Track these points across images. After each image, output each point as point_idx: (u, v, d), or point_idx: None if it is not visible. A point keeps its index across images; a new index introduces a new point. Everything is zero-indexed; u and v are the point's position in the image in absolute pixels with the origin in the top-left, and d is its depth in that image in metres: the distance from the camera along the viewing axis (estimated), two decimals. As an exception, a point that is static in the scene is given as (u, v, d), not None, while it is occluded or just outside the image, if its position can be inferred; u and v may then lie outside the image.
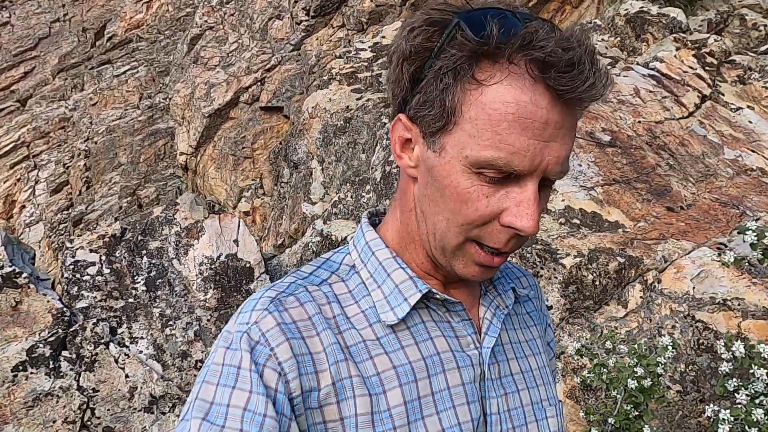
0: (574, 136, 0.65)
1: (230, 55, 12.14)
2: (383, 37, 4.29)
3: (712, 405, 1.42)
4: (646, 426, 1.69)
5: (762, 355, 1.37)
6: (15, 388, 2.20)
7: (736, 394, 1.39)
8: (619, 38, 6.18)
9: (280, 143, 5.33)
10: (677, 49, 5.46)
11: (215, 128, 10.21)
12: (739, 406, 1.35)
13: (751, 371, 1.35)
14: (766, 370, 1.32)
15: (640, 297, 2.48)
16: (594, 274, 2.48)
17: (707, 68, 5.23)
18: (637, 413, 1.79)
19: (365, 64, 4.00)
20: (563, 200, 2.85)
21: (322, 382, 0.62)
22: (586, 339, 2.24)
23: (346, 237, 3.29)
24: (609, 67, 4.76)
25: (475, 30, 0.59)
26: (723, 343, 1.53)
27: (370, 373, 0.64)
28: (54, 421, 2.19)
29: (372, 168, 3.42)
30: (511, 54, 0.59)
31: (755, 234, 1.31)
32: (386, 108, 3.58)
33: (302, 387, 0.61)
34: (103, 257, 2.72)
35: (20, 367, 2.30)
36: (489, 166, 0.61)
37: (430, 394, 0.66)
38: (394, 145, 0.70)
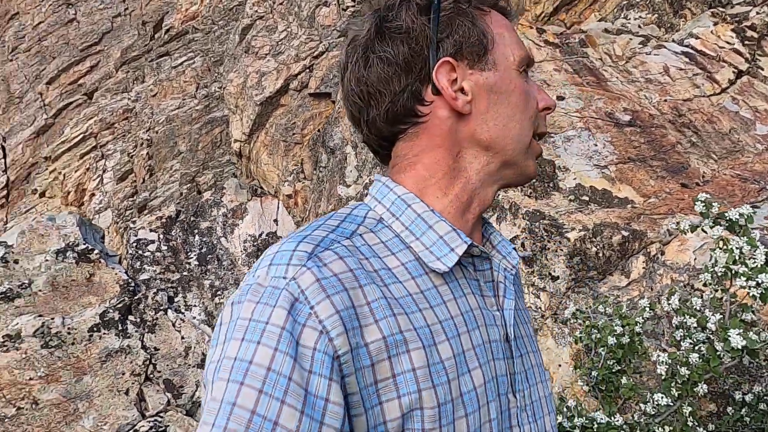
0: None
1: (280, 43, 12.55)
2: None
3: (659, 352, 1.63)
4: (623, 377, 1.90)
5: (694, 306, 1.56)
6: (90, 346, 2.62)
7: (682, 343, 1.58)
8: (656, 15, 6.13)
9: (318, 130, 5.65)
10: (714, 24, 5.40)
11: (267, 115, 10.63)
12: (681, 351, 1.55)
13: (685, 321, 1.54)
14: (695, 319, 1.51)
15: (643, 268, 2.65)
16: (598, 247, 2.67)
17: (747, 42, 5.16)
18: (619, 368, 2.00)
19: (395, 53, 4.24)
20: (575, 178, 3.03)
21: (370, 336, 0.60)
22: (587, 305, 2.45)
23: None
24: (640, 42, 4.79)
25: None
26: (665, 298, 1.72)
27: (421, 324, 0.64)
28: (123, 374, 2.59)
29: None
30: (494, 4, 0.76)
31: (703, 204, 1.49)
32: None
33: (350, 343, 0.59)
34: (161, 236, 3.11)
35: (94, 329, 2.72)
36: (525, 62, 0.75)
37: (472, 348, 0.67)
38: (446, 90, 0.71)
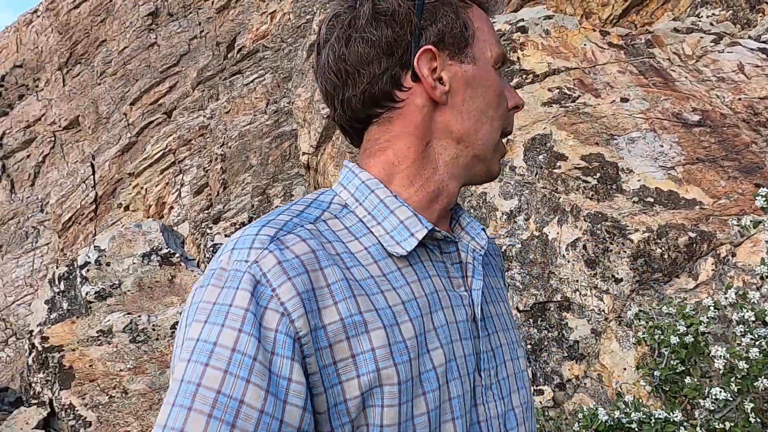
0: None
1: (344, 58, 12.66)
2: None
3: (717, 346, 1.60)
4: (688, 378, 1.87)
5: (752, 300, 1.52)
6: (173, 342, 2.83)
7: (742, 339, 1.55)
8: (731, 11, 5.89)
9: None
10: (796, 18, 5.13)
11: (333, 128, 10.93)
12: (740, 347, 1.52)
13: (744, 315, 1.51)
14: (753, 312, 1.48)
15: (712, 270, 2.58)
16: (663, 248, 2.62)
17: (832, 35, 4.88)
18: (683, 368, 1.97)
19: (456, 61, 4.31)
20: (639, 180, 2.98)
21: (328, 318, 0.61)
22: (650, 307, 2.42)
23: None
24: (712, 40, 4.63)
25: None
26: (721, 292, 1.69)
27: (383, 305, 0.64)
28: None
29: (460, 158, 3.74)
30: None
31: (764, 198, 1.47)
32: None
33: (309, 325, 0.59)
34: (235, 240, 3.29)
35: (176, 326, 2.93)
36: (501, 59, 0.75)
37: (433, 328, 0.67)
38: (426, 78, 0.70)
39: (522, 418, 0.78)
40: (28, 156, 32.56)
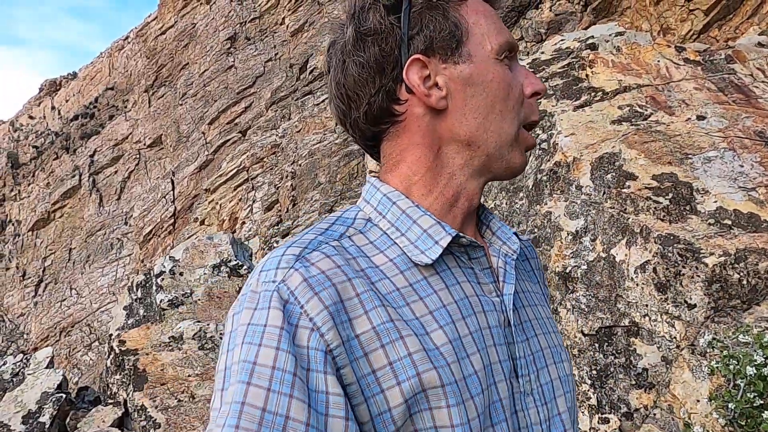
0: None
1: (412, 78, 12.82)
2: (542, 52, 4.50)
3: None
4: (766, 412, 1.75)
5: None
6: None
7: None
8: (824, 24, 5.51)
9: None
10: None
11: (399, 146, 10.89)
12: None
13: None
14: None
15: (797, 298, 2.41)
16: (741, 274, 2.47)
17: None
18: (761, 402, 1.85)
19: (523, 80, 4.27)
20: (716, 201, 2.83)
21: (360, 327, 0.61)
22: (727, 336, 2.28)
23: (501, 240, 3.59)
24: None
25: None
26: None
27: (410, 317, 0.64)
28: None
29: (525, 176, 3.68)
30: None
31: None
32: (540, 120, 3.81)
33: (341, 336, 0.59)
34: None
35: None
36: (506, 48, 0.72)
37: (469, 333, 0.67)
38: (418, 88, 0.70)
39: (569, 422, 0.76)
40: (116, 172, 34.79)
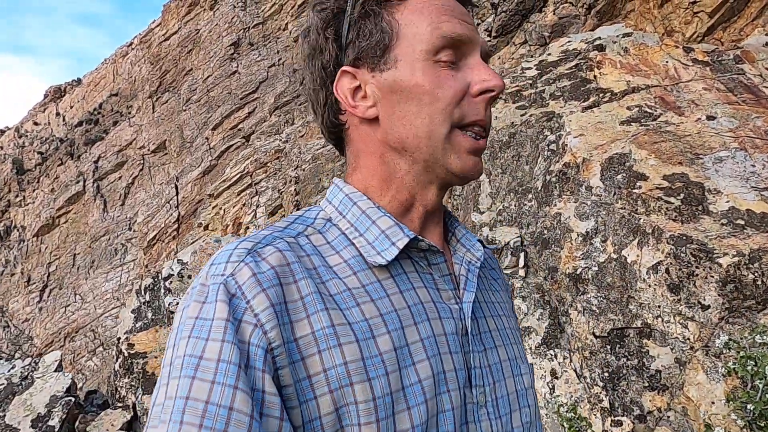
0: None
1: (416, 82, 12.83)
2: (549, 54, 4.49)
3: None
4: (786, 413, 1.73)
5: None
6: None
7: None
8: (831, 24, 5.48)
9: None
10: None
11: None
12: None
13: None
14: None
15: (813, 298, 2.38)
16: (756, 274, 2.45)
17: None
18: (781, 403, 1.82)
19: (530, 81, 4.26)
20: (728, 201, 2.81)
21: (300, 331, 0.60)
22: (743, 337, 2.26)
23: (509, 242, 3.57)
24: None
25: None
26: None
27: (357, 318, 0.63)
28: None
29: (534, 178, 3.67)
30: None
31: None
32: (548, 121, 3.79)
33: (282, 337, 0.59)
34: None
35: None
36: (443, 45, 0.68)
37: (419, 340, 0.65)
38: (345, 100, 0.71)
39: None
40: (120, 177, 34.86)
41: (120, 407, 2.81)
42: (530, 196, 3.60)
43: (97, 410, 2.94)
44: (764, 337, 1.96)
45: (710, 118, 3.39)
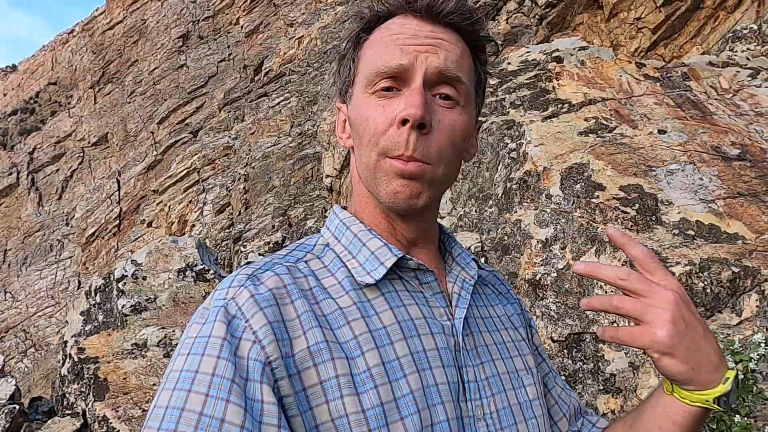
0: (461, 48, 0.74)
1: (371, 83, 12.89)
2: (509, 63, 4.59)
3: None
4: (737, 416, 1.82)
5: None
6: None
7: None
8: (767, 46, 5.86)
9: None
10: (834, 54, 5.10)
11: (357, 152, 10.88)
12: None
13: None
14: None
15: (756, 306, 2.53)
16: (705, 283, 2.58)
17: None
18: (732, 407, 1.92)
19: (491, 89, 4.34)
20: (679, 212, 2.95)
21: (297, 347, 0.63)
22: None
23: (470, 247, 3.62)
24: (749, 75, 4.60)
25: (361, 13, 0.76)
26: None
27: (347, 338, 0.66)
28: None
29: (495, 184, 3.74)
30: (390, 12, 0.74)
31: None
32: (509, 129, 3.87)
33: (280, 351, 0.62)
34: (268, 259, 3.32)
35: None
36: (378, 75, 0.71)
37: (408, 354, 0.68)
38: (337, 130, 0.81)
39: None
40: (57, 170, 33.30)
41: (69, 414, 2.68)
42: (491, 202, 3.67)
43: (42, 418, 2.79)
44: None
45: (661, 131, 3.55)
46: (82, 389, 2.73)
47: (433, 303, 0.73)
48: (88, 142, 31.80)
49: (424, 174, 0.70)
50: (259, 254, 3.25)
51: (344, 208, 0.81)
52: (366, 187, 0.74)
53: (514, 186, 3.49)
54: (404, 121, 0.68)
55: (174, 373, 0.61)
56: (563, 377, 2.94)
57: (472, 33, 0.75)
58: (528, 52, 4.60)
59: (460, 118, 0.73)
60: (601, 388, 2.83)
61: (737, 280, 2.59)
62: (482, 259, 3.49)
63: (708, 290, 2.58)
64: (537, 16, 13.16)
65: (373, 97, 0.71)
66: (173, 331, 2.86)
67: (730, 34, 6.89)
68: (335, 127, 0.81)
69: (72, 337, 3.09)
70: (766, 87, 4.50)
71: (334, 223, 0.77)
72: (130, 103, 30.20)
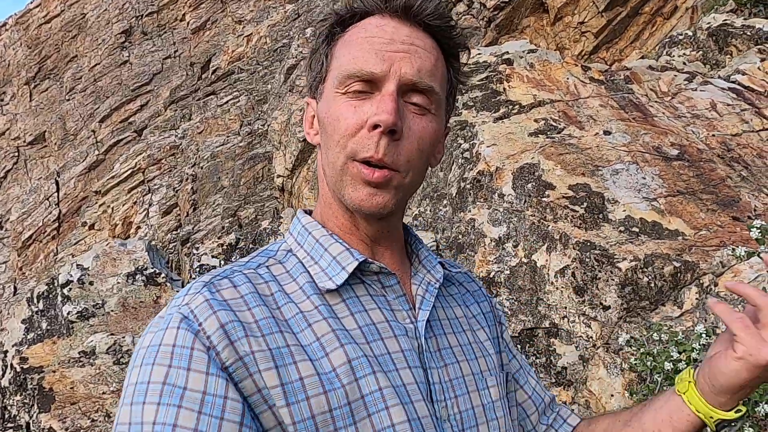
0: (435, 56, 0.73)
1: (322, 83, 12.87)
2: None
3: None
4: (682, 404, 1.91)
5: None
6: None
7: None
8: (701, 52, 6.17)
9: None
10: (762, 60, 5.41)
11: (309, 151, 10.95)
12: None
13: None
14: None
15: (696, 299, 2.66)
16: (649, 277, 2.70)
17: (794, 78, 5.14)
18: (676, 394, 2.01)
19: (443, 90, 4.40)
20: (624, 210, 3.07)
21: (256, 346, 0.62)
22: (640, 334, 2.48)
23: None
24: (686, 78, 4.83)
25: (340, 10, 0.76)
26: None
27: (310, 340, 0.66)
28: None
29: (449, 184, 3.79)
30: (367, 10, 0.73)
31: (759, 230, 1.55)
32: (462, 130, 3.94)
33: (237, 353, 0.61)
34: (222, 261, 3.27)
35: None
36: (350, 77, 0.70)
37: (373, 356, 0.67)
38: (304, 125, 0.79)
39: None
40: (-11, 171, 31.51)
41: (11, 428, 2.54)
42: (445, 201, 3.72)
43: (-18, 432, 2.65)
44: (661, 335, 2.16)
45: (606, 132, 3.69)
46: (25, 401, 2.61)
47: (396, 306, 0.73)
48: (24, 141, 30.32)
49: (390, 182, 0.70)
50: (212, 256, 3.19)
51: (309, 212, 0.80)
52: (331, 187, 0.73)
53: (468, 186, 3.55)
54: (375, 126, 0.68)
55: (130, 388, 0.61)
56: (517, 372, 3.02)
57: (449, 39, 0.76)
58: (479, 54, 4.69)
59: (430, 125, 0.73)
60: (554, 381, 2.92)
61: (678, 275, 2.72)
62: (437, 258, 3.53)
63: (652, 284, 2.71)
64: (485, 19, 13.41)
65: (344, 97, 0.71)
66: (123, 337, 2.77)
67: (667, 40, 7.23)
68: (303, 121, 0.80)
69: (13, 346, 2.95)
70: (701, 90, 4.74)
71: (296, 229, 0.77)
72: (69, 100, 28.94)
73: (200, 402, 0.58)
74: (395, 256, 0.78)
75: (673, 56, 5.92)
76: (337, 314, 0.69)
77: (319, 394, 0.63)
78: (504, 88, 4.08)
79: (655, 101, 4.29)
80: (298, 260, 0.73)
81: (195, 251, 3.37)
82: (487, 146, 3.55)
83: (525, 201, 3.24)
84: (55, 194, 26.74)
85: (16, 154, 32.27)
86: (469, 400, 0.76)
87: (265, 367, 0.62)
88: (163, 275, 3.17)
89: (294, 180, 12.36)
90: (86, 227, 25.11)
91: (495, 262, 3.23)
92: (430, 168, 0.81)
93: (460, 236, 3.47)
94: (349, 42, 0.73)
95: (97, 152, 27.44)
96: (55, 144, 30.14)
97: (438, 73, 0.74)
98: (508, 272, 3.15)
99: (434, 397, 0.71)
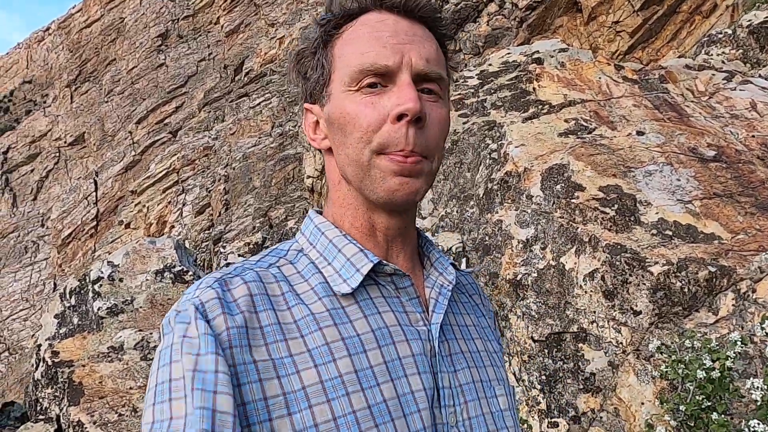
0: (435, 45, 0.75)
1: (352, 84, 12.97)
2: (490, 65, 4.61)
3: (753, 380, 1.58)
4: (714, 413, 1.84)
5: None
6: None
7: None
8: (741, 50, 5.97)
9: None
10: (805, 58, 5.19)
11: (338, 152, 10.91)
12: None
13: None
14: None
15: (732, 305, 2.56)
16: (683, 282, 2.61)
17: (841, 77, 4.92)
18: (709, 404, 1.94)
19: (472, 90, 4.35)
20: (657, 213, 2.98)
21: (258, 355, 0.63)
22: (672, 341, 2.39)
23: (451, 247, 3.63)
24: (724, 78, 4.67)
25: (334, 12, 0.74)
26: (758, 325, 1.67)
27: (318, 343, 0.66)
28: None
29: (476, 185, 3.74)
30: (363, 9, 0.73)
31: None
32: (490, 130, 3.88)
33: (237, 359, 0.61)
34: (248, 260, 3.29)
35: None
36: (362, 73, 0.70)
37: (383, 363, 0.67)
38: (307, 132, 0.78)
39: None
40: (32, 171, 32.65)
41: (42, 420, 2.61)
42: (472, 202, 3.67)
43: (14, 423, 2.72)
44: (694, 342, 2.08)
45: (640, 133, 3.59)
46: (56, 394, 2.66)
47: (409, 308, 0.73)
48: (65, 142, 31.28)
49: (422, 169, 0.70)
50: (239, 255, 3.20)
51: (319, 212, 0.79)
52: (356, 185, 0.72)
53: (495, 186, 3.50)
54: (400, 117, 0.68)
55: (150, 391, 0.61)
56: (544, 377, 2.95)
57: (441, 29, 0.77)
58: (509, 53, 4.62)
59: (443, 111, 0.74)
60: (581, 387, 2.84)
61: (714, 280, 2.62)
62: (464, 260, 3.49)
63: (685, 289, 2.61)
64: (517, 19, 13.27)
65: (358, 94, 0.70)
66: (150, 333, 2.81)
67: (706, 38, 7.02)
68: (306, 126, 0.78)
69: (46, 340, 3.02)
70: (740, 90, 4.58)
71: (309, 229, 0.77)
72: (107, 102, 29.74)
73: (191, 382, 0.59)
74: (408, 258, 0.77)
75: (712, 55, 5.73)
76: (350, 317, 0.69)
77: (323, 402, 0.62)
78: (534, 88, 4.01)
79: (692, 101, 4.16)
80: (310, 261, 0.73)
81: (222, 250, 3.38)
82: (516, 146, 3.49)
83: (553, 202, 3.17)
84: (94, 194, 27.50)
85: (57, 154, 33.28)
86: (479, 406, 0.75)
87: (266, 376, 0.62)
88: (190, 273, 3.20)
89: (323, 181, 12.42)
90: (122, 226, 25.66)
91: (522, 265, 3.17)
92: (444, 163, 0.82)
93: (487, 238, 3.42)
94: (351, 39, 0.73)
95: (133, 153, 28.14)
96: (94, 145, 31.02)
97: (441, 61, 0.75)
98: (535, 275, 3.09)
99: (443, 402, 0.71)
